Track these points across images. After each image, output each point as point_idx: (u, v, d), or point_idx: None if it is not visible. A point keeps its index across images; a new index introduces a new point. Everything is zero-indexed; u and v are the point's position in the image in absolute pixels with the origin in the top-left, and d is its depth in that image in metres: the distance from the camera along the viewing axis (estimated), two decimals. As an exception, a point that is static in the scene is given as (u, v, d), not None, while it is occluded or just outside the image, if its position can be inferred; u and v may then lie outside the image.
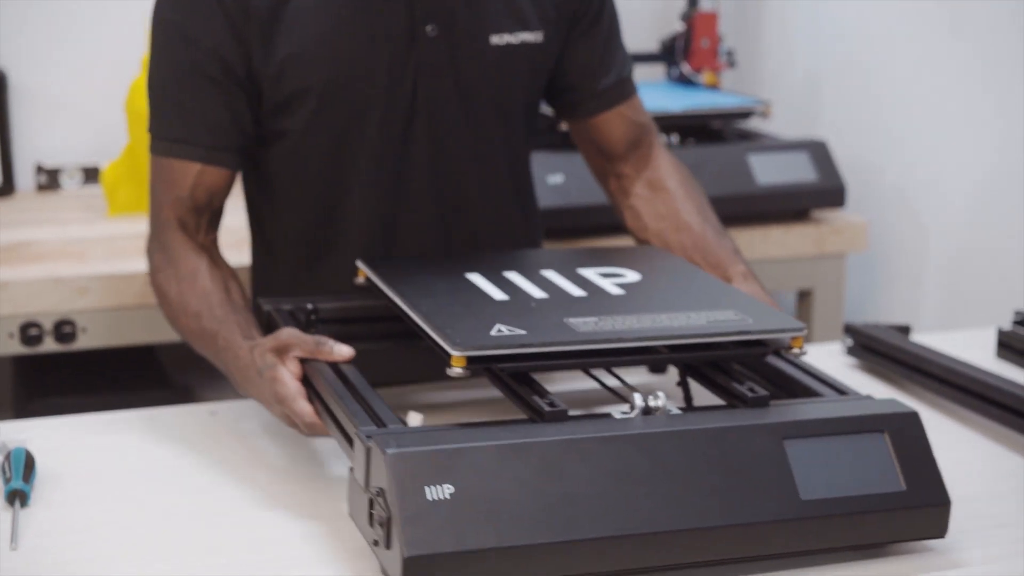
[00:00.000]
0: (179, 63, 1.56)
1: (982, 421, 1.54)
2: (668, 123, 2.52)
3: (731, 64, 2.78)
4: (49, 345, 2.05)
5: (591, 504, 1.08)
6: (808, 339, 2.44)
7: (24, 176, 2.67)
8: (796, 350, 1.35)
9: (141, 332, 2.11)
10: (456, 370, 1.20)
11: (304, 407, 1.33)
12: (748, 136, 2.62)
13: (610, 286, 1.42)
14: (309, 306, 1.50)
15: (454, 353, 1.20)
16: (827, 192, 2.46)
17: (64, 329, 2.05)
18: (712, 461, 1.13)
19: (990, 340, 1.79)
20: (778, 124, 2.77)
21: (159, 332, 2.11)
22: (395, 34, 1.59)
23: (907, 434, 1.19)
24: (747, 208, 2.42)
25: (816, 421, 1.18)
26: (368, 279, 1.49)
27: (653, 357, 1.36)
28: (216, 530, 1.25)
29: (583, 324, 1.27)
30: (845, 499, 1.14)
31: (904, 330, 1.76)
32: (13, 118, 2.64)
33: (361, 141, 1.63)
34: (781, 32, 2.87)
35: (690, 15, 2.74)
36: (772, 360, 1.39)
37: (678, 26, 2.77)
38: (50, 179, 2.64)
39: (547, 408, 1.17)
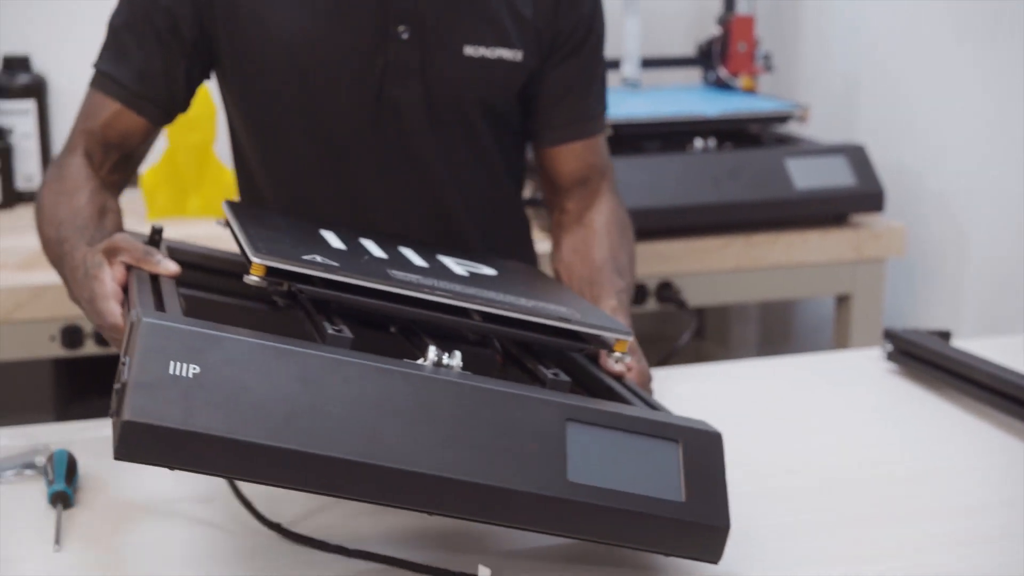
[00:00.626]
0: (135, 9, 1.61)
1: (1023, 427, 1.53)
2: (705, 127, 2.51)
3: (768, 68, 2.78)
4: (90, 348, 2.06)
5: (337, 424, 1.03)
6: (847, 344, 2.47)
7: (64, 180, 2.68)
8: (618, 353, 1.29)
9: (181, 336, 2.11)
10: (253, 278, 1.14)
11: (111, 307, 1.29)
12: (786, 140, 2.62)
13: (456, 267, 1.37)
14: (159, 226, 1.45)
15: (254, 260, 1.14)
16: (866, 196, 2.45)
17: (104, 332, 2.06)
18: (482, 419, 1.07)
19: (1031, 345, 1.78)
20: (816, 128, 2.76)
21: (198, 336, 2.12)
22: (365, 30, 1.59)
23: (703, 451, 1.12)
24: (785, 213, 2.42)
25: (608, 414, 1.12)
26: (225, 219, 1.41)
27: (460, 320, 1.24)
28: (258, 536, 1.25)
29: (403, 275, 1.22)
30: (615, 492, 1.08)
31: (944, 335, 1.75)
32: (53, 122, 2.66)
33: (326, 134, 1.64)
34: (818, 36, 2.86)
35: (727, 19, 2.74)
36: (598, 372, 1.34)
37: (715, 30, 2.77)
38: (90, 183, 2.65)
39: (331, 331, 1.11)
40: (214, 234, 2.31)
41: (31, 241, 2.23)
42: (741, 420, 1.52)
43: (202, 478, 1.38)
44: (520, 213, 1.85)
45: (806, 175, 2.43)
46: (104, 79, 1.63)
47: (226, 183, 2.45)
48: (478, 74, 1.64)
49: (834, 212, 2.47)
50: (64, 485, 1.29)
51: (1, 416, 2.57)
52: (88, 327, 2.05)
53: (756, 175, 2.41)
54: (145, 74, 1.61)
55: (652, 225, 2.30)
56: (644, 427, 1.12)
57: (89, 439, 1.44)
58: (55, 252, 1.51)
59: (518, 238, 1.85)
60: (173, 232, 2.32)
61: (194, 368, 1.02)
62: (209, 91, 2.42)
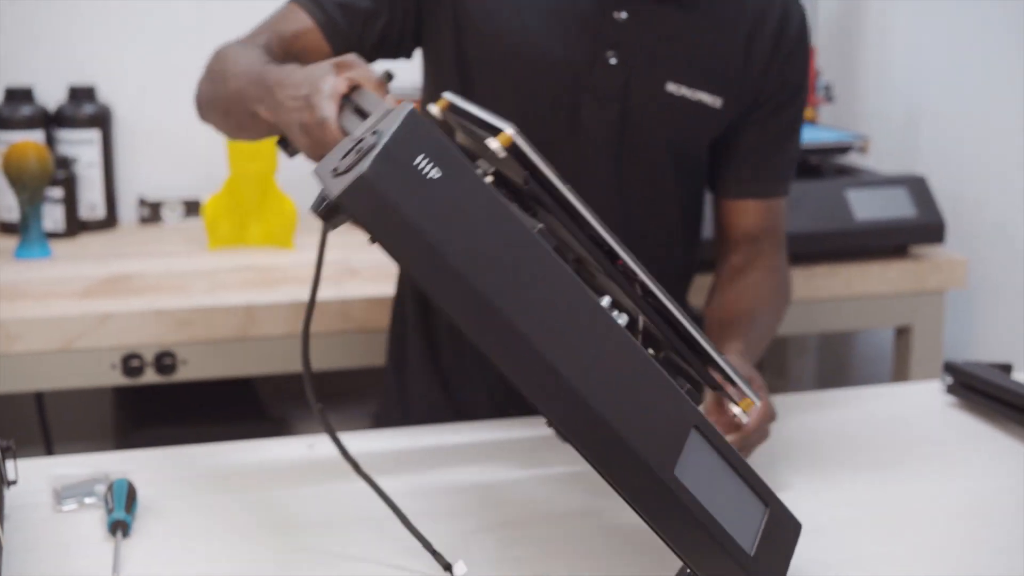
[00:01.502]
0: None
1: (1087, 463, 1.51)
2: (765, 158, 2.51)
3: (829, 99, 2.77)
4: (150, 376, 2.08)
5: (522, 295, 1.06)
6: (906, 377, 2.45)
7: (127, 209, 2.72)
8: (739, 410, 1.31)
9: (240, 364, 2.13)
10: (495, 143, 1.15)
11: (328, 105, 1.31)
12: (846, 171, 2.60)
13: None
14: (390, 72, 1.44)
15: (507, 131, 1.15)
16: (926, 228, 2.44)
17: (165, 361, 2.08)
18: (635, 377, 1.10)
19: (1095, 380, 1.76)
20: (876, 159, 2.75)
21: (258, 364, 2.14)
22: (578, 47, 1.60)
23: (782, 527, 1.16)
24: (845, 244, 2.41)
25: (726, 445, 1.15)
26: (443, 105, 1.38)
27: (631, 291, 1.24)
28: (316, 565, 1.26)
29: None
30: (703, 508, 1.09)
31: (1006, 368, 1.74)
32: (117, 152, 2.69)
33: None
34: (879, 67, 2.85)
35: (787, 50, 2.73)
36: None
37: (775, 61, 2.76)
38: (152, 212, 2.68)
39: (539, 228, 1.11)
40: (274, 264, 2.34)
41: (93, 270, 2.27)
42: (800, 452, 1.51)
43: (259, 503, 1.39)
44: (686, 258, 1.80)
45: (866, 206, 2.42)
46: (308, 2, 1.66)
47: (287, 212, 2.47)
48: (675, 112, 1.63)
49: (894, 243, 2.45)
50: (124, 514, 1.30)
51: (63, 444, 2.59)
52: (148, 356, 2.06)
53: (817, 206, 2.40)
54: (348, 9, 1.65)
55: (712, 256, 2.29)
56: (748, 475, 1.14)
57: (149, 468, 1.46)
58: (246, 84, 1.51)
59: (677, 282, 1.81)
60: (233, 261, 2.35)
61: (436, 172, 1.03)
62: (270, 121, 2.45)
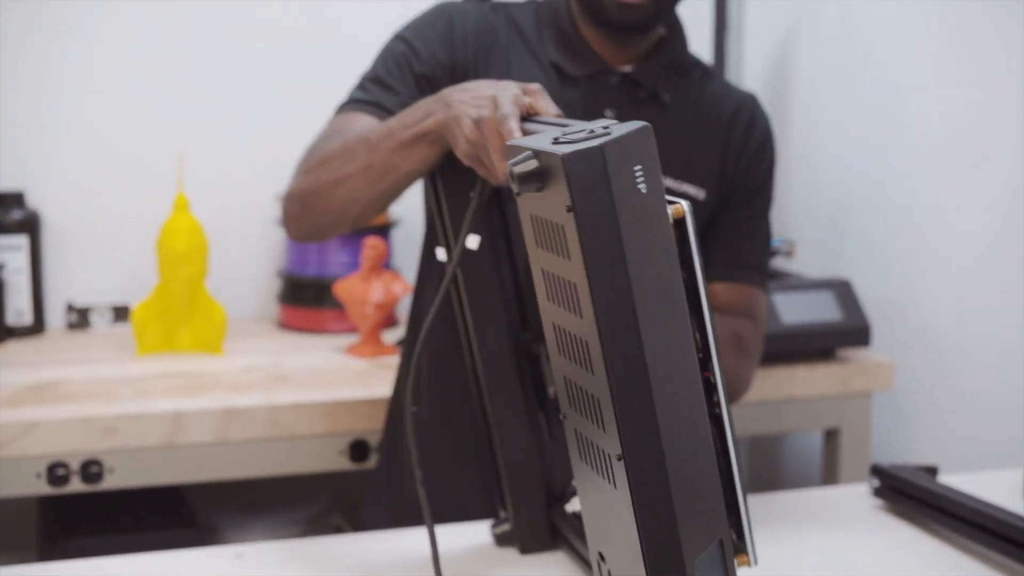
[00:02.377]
0: (397, 57, 1.78)
1: (1012, 565, 1.52)
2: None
3: (755, 204, 2.80)
4: (76, 485, 2.05)
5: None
6: (836, 478, 2.47)
7: (55, 315, 2.70)
8: None
9: (168, 472, 2.11)
10: None
11: (513, 124, 1.37)
12: (773, 275, 2.63)
13: None
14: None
15: None
16: (852, 331, 2.47)
17: (91, 469, 2.05)
18: None
19: (1018, 481, 1.78)
20: (802, 263, 2.79)
21: (186, 472, 2.12)
22: None
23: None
24: (773, 347, 2.42)
25: None
26: None
27: None
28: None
29: None
30: None
31: (931, 471, 1.75)
32: (45, 257, 2.68)
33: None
34: (804, 171, 2.89)
35: (714, 156, 2.77)
36: None
37: (702, 166, 2.80)
38: (80, 318, 2.67)
39: None
40: (203, 369, 2.33)
41: (19, 377, 2.25)
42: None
43: None
44: None
45: (793, 310, 2.44)
46: (364, 104, 1.75)
47: (216, 318, 2.46)
48: None
49: (821, 346, 2.48)
50: (46, 627, 1.28)
51: (-14, 553, 2.55)
52: (74, 464, 2.04)
53: (743, 310, 2.42)
54: (403, 100, 1.73)
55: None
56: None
57: (72, 579, 1.43)
58: (359, 144, 1.61)
59: None
60: (162, 367, 2.34)
61: (644, 187, 1.07)
62: (201, 227, 2.45)
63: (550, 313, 1.18)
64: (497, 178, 1.42)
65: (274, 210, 2.81)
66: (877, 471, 1.74)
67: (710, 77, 1.91)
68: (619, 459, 1.08)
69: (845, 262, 2.77)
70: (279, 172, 2.82)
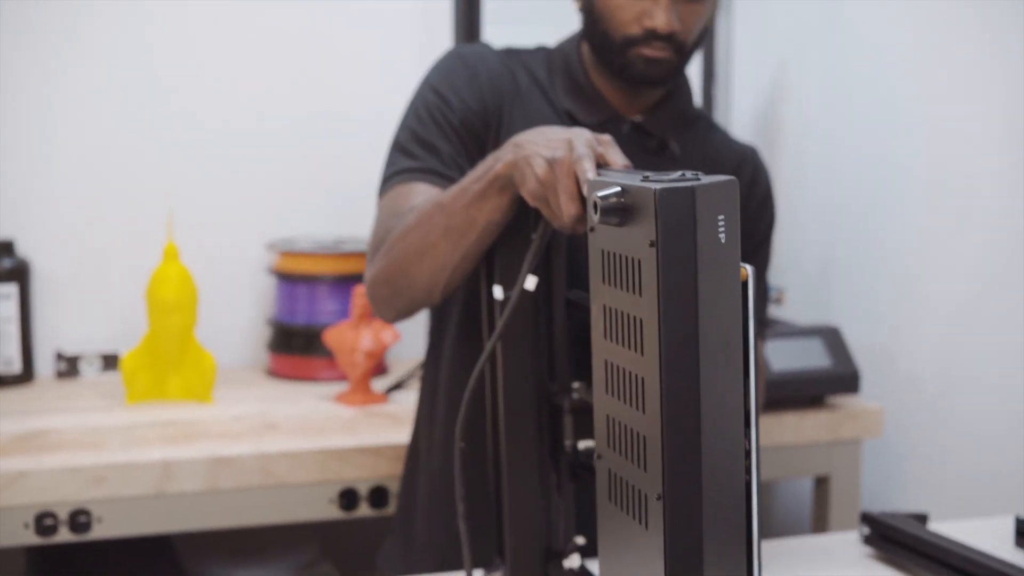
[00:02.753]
0: (432, 111, 1.80)
1: (1002, 613, 1.52)
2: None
3: (744, 251, 2.81)
4: (64, 535, 2.05)
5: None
6: (824, 528, 2.46)
7: (44, 363, 2.69)
8: None
9: (157, 521, 2.10)
10: None
11: (588, 165, 1.39)
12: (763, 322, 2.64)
13: None
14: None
15: None
16: (841, 378, 2.47)
17: (79, 519, 2.04)
18: None
19: (1008, 528, 1.78)
20: (791, 310, 2.79)
21: (175, 521, 2.11)
22: None
23: None
24: (756, 392, 2.43)
25: None
26: None
27: None
28: None
29: None
30: None
31: (921, 518, 1.75)
32: (34, 305, 2.68)
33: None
34: (792, 218, 2.91)
35: (702, 204, 2.78)
36: None
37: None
38: (69, 366, 2.66)
39: None
40: (192, 418, 2.33)
41: (8, 426, 2.24)
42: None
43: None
44: None
45: (783, 357, 2.45)
46: (418, 173, 1.76)
47: (206, 367, 2.46)
48: None
49: (811, 394, 2.48)
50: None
51: (-27, 603, 2.53)
52: (62, 514, 2.03)
53: (733, 357, 2.42)
54: (449, 160, 1.77)
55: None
56: None
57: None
58: (435, 210, 1.63)
59: None
60: (151, 416, 2.34)
61: (724, 236, 1.10)
62: (191, 275, 2.45)
63: (604, 351, 1.20)
64: (563, 220, 1.43)
65: (264, 258, 2.82)
66: (867, 518, 1.74)
67: (714, 129, 1.94)
68: (658, 499, 1.09)
69: (834, 309, 2.78)
70: (269, 220, 2.84)
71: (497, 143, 1.80)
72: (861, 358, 2.57)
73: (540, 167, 1.44)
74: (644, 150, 1.83)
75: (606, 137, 1.48)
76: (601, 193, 1.13)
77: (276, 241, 2.77)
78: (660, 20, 1.73)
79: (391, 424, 2.31)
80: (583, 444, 1.53)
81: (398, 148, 1.82)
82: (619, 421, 1.17)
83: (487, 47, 1.90)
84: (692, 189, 1.08)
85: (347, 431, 2.26)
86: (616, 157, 1.45)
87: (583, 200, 1.39)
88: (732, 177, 1.12)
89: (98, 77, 2.73)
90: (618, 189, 1.13)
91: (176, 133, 2.79)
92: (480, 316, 1.72)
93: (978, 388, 2.39)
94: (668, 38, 1.75)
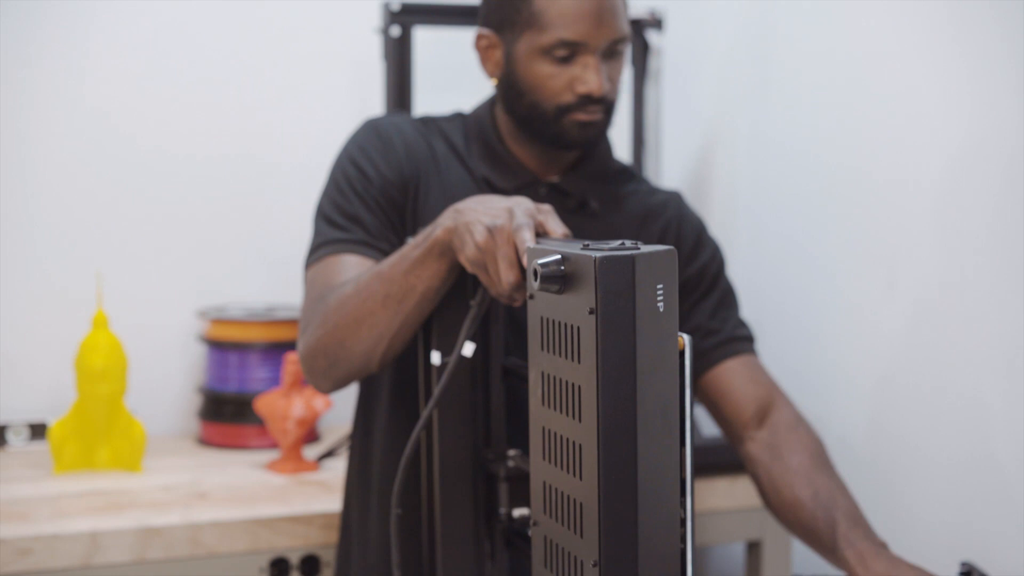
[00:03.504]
0: (353, 184, 1.81)
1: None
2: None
3: (674, 317, 2.83)
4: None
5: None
6: (757, 592, 2.46)
7: (-31, 433, 2.66)
8: None
9: (84, 593, 2.07)
10: None
11: (527, 235, 1.41)
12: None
13: None
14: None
15: None
16: (772, 443, 2.48)
17: (5, 591, 2.02)
18: None
19: (938, 592, 1.79)
20: (722, 375, 2.81)
21: (102, 593, 2.08)
22: None
23: None
24: (693, 460, 2.44)
25: None
26: None
27: None
28: None
29: None
30: None
31: (853, 583, 1.76)
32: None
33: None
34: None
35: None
36: None
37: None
38: (-4, 436, 2.63)
39: None
40: (121, 488, 2.30)
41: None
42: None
43: None
44: None
45: (713, 423, 2.46)
46: (348, 244, 1.77)
47: (136, 435, 2.44)
48: None
49: (740, 459, 2.49)
50: None
51: None
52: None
53: (664, 422, 2.43)
54: (376, 231, 1.79)
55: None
56: None
57: None
58: (372, 279, 1.64)
59: None
60: (79, 486, 2.31)
61: (662, 305, 1.12)
62: (121, 344, 2.43)
63: (542, 417, 1.20)
64: (500, 287, 1.44)
65: (194, 325, 2.80)
66: (799, 583, 1.75)
67: (637, 180, 1.97)
68: (594, 566, 1.09)
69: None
70: (199, 288, 2.83)
71: (416, 212, 1.81)
72: (791, 423, 2.58)
73: (480, 234, 1.45)
74: (563, 210, 1.84)
75: (545, 206, 1.50)
76: (541, 261, 1.14)
77: (207, 308, 2.75)
78: (594, 84, 1.76)
79: (323, 492, 2.29)
80: (518, 512, 1.53)
81: (323, 219, 1.83)
82: (556, 488, 1.17)
83: (403, 117, 1.92)
84: (632, 258, 1.09)
85: (278, 500, 2.24)
86: (555, 226, 1.46)
87: (521, 268, 1.41)
88: (671, 247, 1.14)
89: (26, 146, 2.71)
90: (558, 257, 1.15)
91: (105, 199, 2.77)
92: (412, 382, 1.72)
93: (904, 451, 2.41)
94: (600, 100, 1.78)
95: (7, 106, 2.69)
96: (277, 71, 2.89)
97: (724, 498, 2.45)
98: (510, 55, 1.82)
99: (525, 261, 1.35)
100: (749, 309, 2.84)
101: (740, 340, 1.96)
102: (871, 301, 2.47)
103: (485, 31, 1.87)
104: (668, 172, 3.06)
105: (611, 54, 1.81)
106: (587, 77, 1.77)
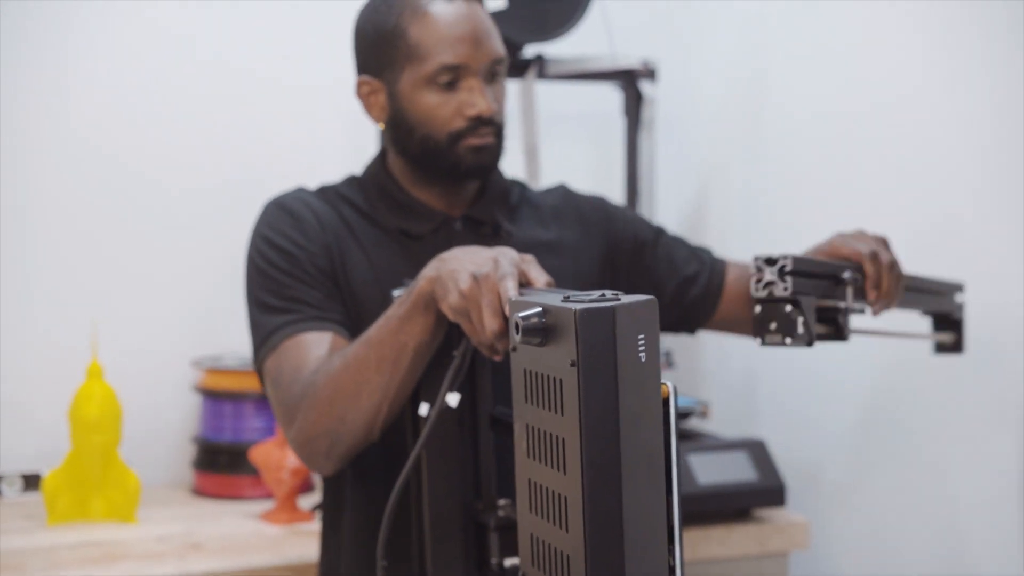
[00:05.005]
0: (281, 266, 1.80)
1: None
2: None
3: (670, 365, 2.84)
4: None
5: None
6: (753, 641, 2.45)
7: (-36, 484, 2.65)
8: None
9: (77, 645, 2.06)
10: None
11: (511, 284, 1.42)
12: (688, 436, 2.65)
13: None
14: None
15: None
16: (767, 491, 2.48)
17: (-2, 644, 2.01)
18: None
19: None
20: (717, 424, 2.81)
21: (95, 645, 2.07)
22: None
23: None
24: (688, 509, 2.43)
25: None
26: None
27: None
28: None
29: None
30: None
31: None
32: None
33: None
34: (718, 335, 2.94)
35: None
36: None
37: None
38: (-10, 487, 2.62)
39: None
40: (115, 539, 2.29)
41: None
42: None
43: None
44: None
45: (709, 471, 2.46)
46: (294, 326, 1.76)
47: (130, 486, 2.43)
48: None
49: (737, 507, 2.49)
50: None
51: None
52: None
53: (660, 471, 2.43)
54: (319, 304, 1.78)
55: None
56: None
57: None
58: (360, 348, 1.63)
59: None
60: (73, 537, 2.30)
61: (643, 355, 1.12)
62: (116, 395, 2.43)
63: (528, 469, 1.20)
64: (484, 336, 1.44)
65: (189, 375, 2.80)
66: (793, 632, 1.74)
67: (527, 189, 2.02)
68: None
69: (759, 422, 2.80)
70: (193, 338, 2.83)
71: (345, 276, 1.82)
72: (787, 471, 2.58)
73: (464, 282, 1.46)
74: (481, 238, 1.87)
75: (528, 256, 1.50)
76: (522, 313, 1.15)
77: (201, 358, 2.75)
78: (483, 105, 1.80)
79: (318, 542, 2.29)
80: (509, 562, 1.53)
81: (261, 309, 1.81)
82: (543, 540, 1.17)
83: (302, 190, 1.93)
84: (612, 309, 1.09)
85: (273, 550, 2.24)
86: (538, 275, 1.47)
87: (505, 317, 1.41)
88: (652, 297, 1.14)
89: (19, 195, 2.72)
90: (539, 309, 1.15)
91: (101, 249, 2.78)
92: (396, 433, 1.72)
93: (902, 501, 2.41)
94: (490, 122, 1.81)
95: (3, 154, 2.70)
96: (272, 122, 2.91)
97: (719, 547, 2.44)
98: (394, 94, 1.84)
99: (508, 311, 1.36)
100: (743, 353, 2.84)
101: (715, 262, 2.03)
102: (858, 350, 2.48)
103: (365, 77, 1.88)
104: (662, 221, 3.07)
105: (492, 76, 1.84)
106: (474, 100, 1.80)
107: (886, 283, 1.78)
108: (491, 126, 1.82)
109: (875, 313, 1.79)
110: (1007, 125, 2.14)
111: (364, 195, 1.91)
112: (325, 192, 1.93)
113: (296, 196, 1.90)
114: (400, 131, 1.85)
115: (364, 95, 1.90)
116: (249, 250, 1.86)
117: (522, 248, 1.74)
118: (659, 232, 2.04)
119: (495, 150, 1.84)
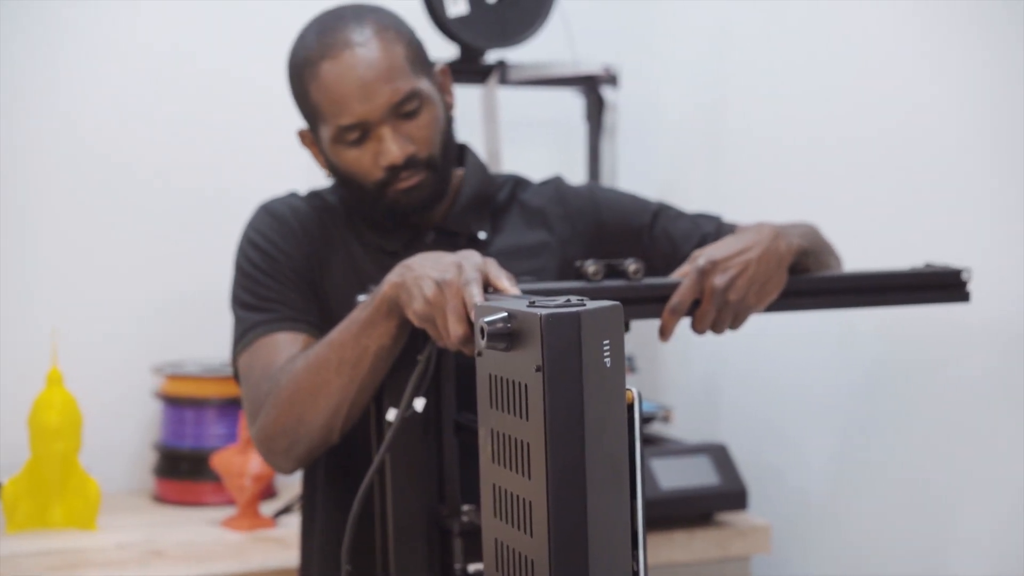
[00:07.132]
0: (261, 269, 1.82)
1: None
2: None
3: (632, 370, 2.84)
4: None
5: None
6: (716, 645, 2.46)
7: (-79, 492, 2.63)
8: None
9: (37, 654, 2.05)
10: None
11: (476, 290, 1.41)
12: (650, 440, 2.66)
13: None
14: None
15: None
16: (729, 495, 2.49)
17: (-43, 653, 1.99)
18: None
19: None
20: (679, 429, 2.82)
21: (56, 653, 2.06)
22: None
23: None
24: (650, 513, 2.43)
25: None
26: None
27: None
28: None
29: None
30: None
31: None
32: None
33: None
34: (679, 337, 2.94)
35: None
36: None
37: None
38: (-52, 495, 2.60)
39: None
40: (75, 546, 2.28)
41: None
42: None
43: None
44: None
45: (670, 475, 2.46)
46: (268, 325, 1.78)
47: (90, 493, 2.42)
48: None
49: (699, 511, 2.49)
50: None
51: None
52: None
53: (622, 475, 2.43)
54: (299, 306, 1.79)
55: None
56: None
57: None
58: (323, 348, 1.64)
59: None
60: (33, 545, 2.28)
61: (608, 361, 1.12)
62: (76, 401, 2.42)
63: (492, 474, 1.20)
64: (449, 340, 1.44)
65: (149, 382, 2.79)
66: (756, 636, 1.75)
67: (522, 187, 2.00)
68: None
69: (721, 427, 2.81)
70: (153, 345, 2.81)
71: (322, 285, 1.82)
72: (749, 474, 2.59)
73: (429, 288, 1.46)
74: (455, 248, 1.83)
75: (491, 260, 1.50)
76: (488, 319, 1.15)
77: (162, 364, 2.74)
78: (392, 153, 1.78)
79: (280, 549, 2.28)
80: (473, 567, 1.53)
81: (241, 307, 1.84)
82: (507, 545, 1.17)
83: (295, 196, 1.94)
84: (578, 315, 1.10)
85: (235, 557, 2.23)
86: (498, 274, 1.47)
87: (470, 322, 1.41)
88: (617, 303, 1.14)
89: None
90: (504, 315, 1.15)
91: (59, 255, 2.76)
92: (366, 438, 1.72)
93: (863, 500, 2.42)
94: (410, 163, 1.78)
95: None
96: (243, 124, 2.89)
97: (681, 551, 2.44)
98: (322, 148, 1.86)
99: (473, 316, 1.36)
100: (706, 359, 2.85)
101: (721, 227, 1.97)
102: (829, 351, 2.49)
103: (304, 129, 1.91)
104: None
105: (405, 114, 1.80)
106: (384, 149, 1.78)
107: (702, 308, 1.80)
108: (412, 167, 1.80)
109: (697, 333, 1.80)
110: (970, 133, 2.15)
111: (346, 206, 1.91)
112: (314, 199, 1.93)
113: (285, 202, 1.92)
114: (338, 180, 1.88)
115: (306, 145, 1.92)
116: (236, 251, 1.89)
117: (499, 255, 1.74)
118: (657, 213, 1.99)
119: (426, 185, 1.82)
